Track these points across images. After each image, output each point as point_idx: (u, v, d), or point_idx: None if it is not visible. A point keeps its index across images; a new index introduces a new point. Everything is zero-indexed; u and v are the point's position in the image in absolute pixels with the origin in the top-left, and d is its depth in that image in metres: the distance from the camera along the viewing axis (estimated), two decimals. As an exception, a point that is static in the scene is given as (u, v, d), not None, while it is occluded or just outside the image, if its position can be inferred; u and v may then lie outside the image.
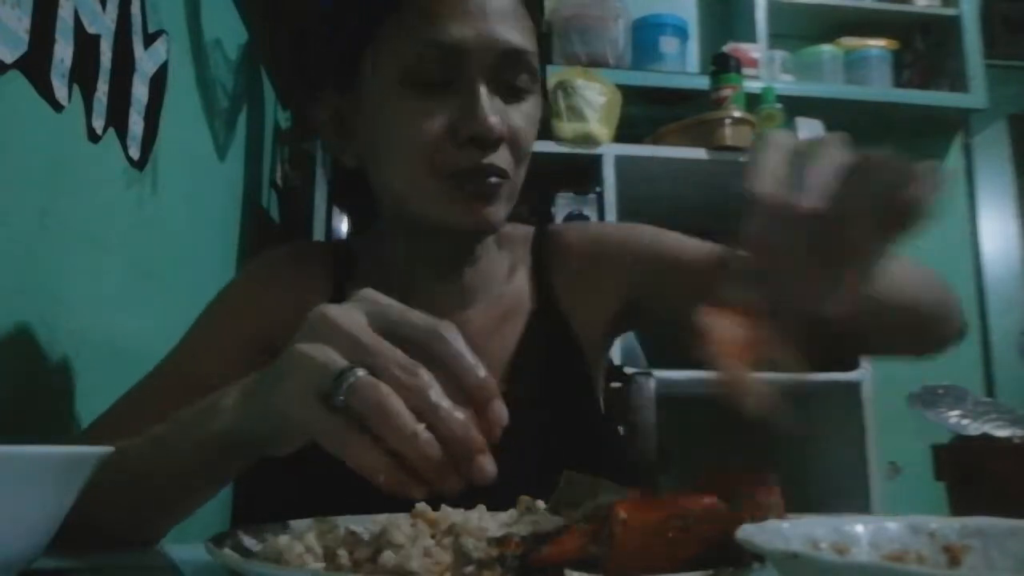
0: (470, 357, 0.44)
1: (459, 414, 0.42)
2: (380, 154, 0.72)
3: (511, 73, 0.69)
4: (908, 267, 0.64)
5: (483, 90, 0.67)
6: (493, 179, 0.68)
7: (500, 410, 0.44)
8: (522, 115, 0.71)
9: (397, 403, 0.41)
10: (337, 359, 0.43)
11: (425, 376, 0.42)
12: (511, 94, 0.70)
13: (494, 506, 0.50)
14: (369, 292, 0.48)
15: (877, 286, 0.50)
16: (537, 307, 0.80)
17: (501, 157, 0.68)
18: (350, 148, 0.76)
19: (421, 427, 0.41)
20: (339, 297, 0.76)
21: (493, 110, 0.67)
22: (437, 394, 0.42)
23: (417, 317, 0.45)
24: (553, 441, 0.75)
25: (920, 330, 0.67)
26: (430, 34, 0.67)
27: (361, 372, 0.42)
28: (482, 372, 0.44)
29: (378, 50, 0.70)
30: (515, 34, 0.69)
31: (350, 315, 0.45)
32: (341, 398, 0.42)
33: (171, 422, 0.55)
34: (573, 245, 0.83)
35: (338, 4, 0.76)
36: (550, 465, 0.52)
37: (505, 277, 0.82)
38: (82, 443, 0.63)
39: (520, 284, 0.82)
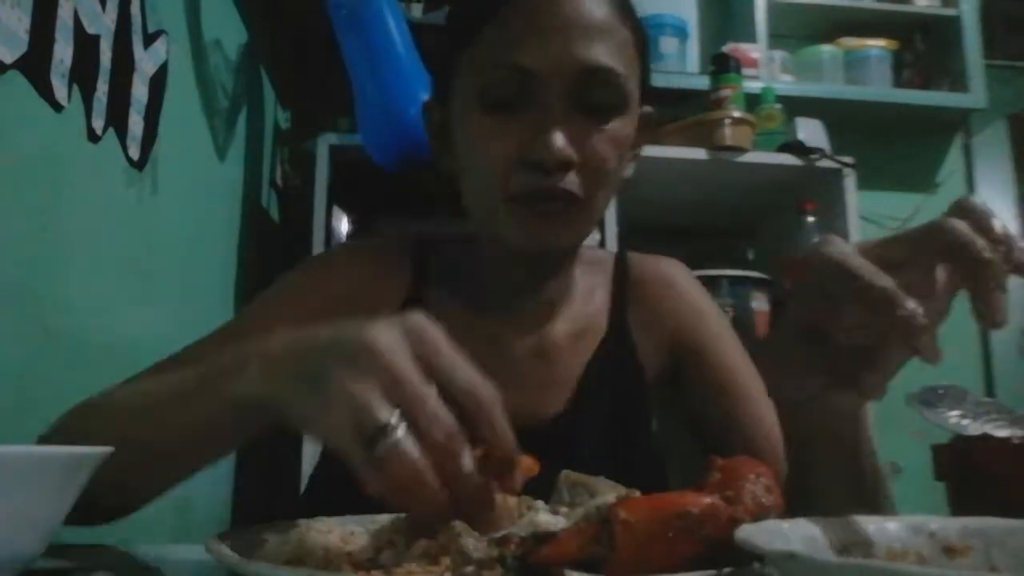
0: (503, 427, 0.44)
1: (479, 480, 0.42)
2: (462, 170, 0.74)
3: (592, 93, 0.68)
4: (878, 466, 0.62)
5: (558, 112, 0.67)
6: (558, 205, 0.68)
7: (518, 481, 0.45)
8: (605, 137, 0.69)
9: (430, 478, 0.41)
10: (380, 408, 0.41)
11: (459, 442, 0.42)
12: (593, 113, 0.69)
13: None
14: (419, 321, 0.45)
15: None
16: (610, 332, 0.81)
17: (571, 181, 0.68)
18: (448, 158, 0.77)
19: (443, 492, 0.41)
20: (417, 291, 0.78)
21: (564, 134, 0.67)
22: (468, 462, 0.42)
23: (463, 369, 0.44)
24: (606, 464, 0.75)
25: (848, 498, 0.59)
26: (504, 57, 0.67)
27: (401, 432, 0.41)
28: (510, 444, 0.44)
29: (463, 69, 0.71)
30: (597, 52, 0.67)
31: (396, 347, 0.43)
32: (378, 454, 0.40)
33: (190, 372, 0.54)
34: (647, 281, 0.84)
35: (445, 25, 0.78)
36: None
37: (585, 297, 0.83)
38: (100, 398, 0.63)
39: (598, 307, 0.83)
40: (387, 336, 0.44)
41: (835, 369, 0.46)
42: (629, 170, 0.78)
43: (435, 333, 0.45)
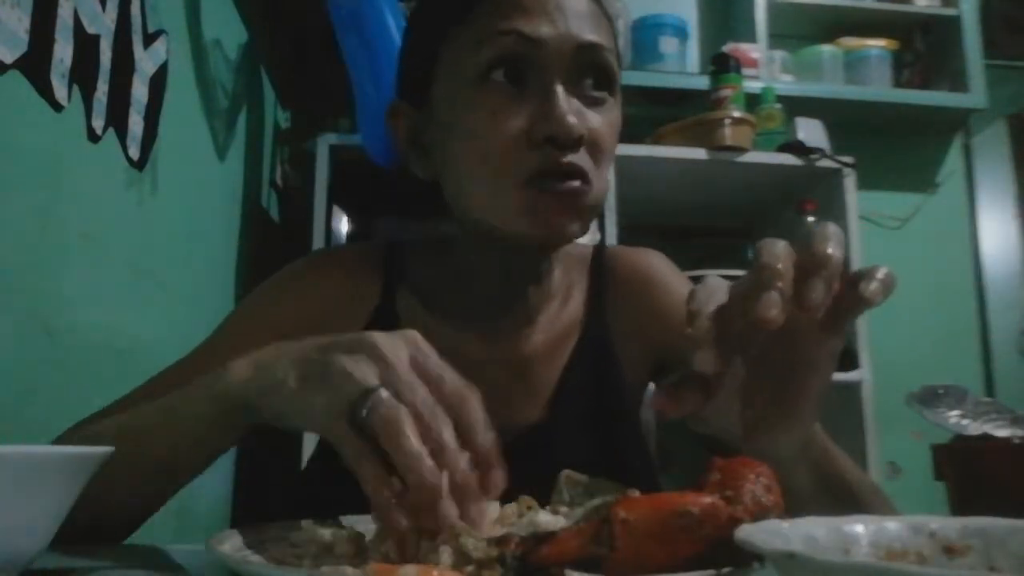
0: (484, 425, 0.47)
1: (464, 459, 0.45)
2: (454, 162, 0.70)
3: (589, 71, 0.67)
4: (862, 477, 0.64)
5: (560, 89, 0.66)
6: (574, 183, 0.65)
7: (498, 479, 0.46)
8: (601, 118, 0.68)
9: (410, 426, 0.44)
10: (371, 378, 0.46)
11: (442, 417, 0.45)
12: (589, 97, 0.68)
13: None
14: (415, 335, 0.50)
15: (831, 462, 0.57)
16: (588, 333, 0.78)
17: (581, 159, 0.66)
18: (424, 162, 0.74)
19: (427, 456, 0.43)
20: (388, 302, 0.76)
21: (571, 109, 0.65)
22: (449, 436, 0.45)
23: (451, 374, 0.48)
24: (591, 467, 0.74)
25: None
26: (506, 25, 0.66)
27: (386, 394, 0.45)
28: (491, 441, 0.47)
29: (450, 57, 0.69)
30: (593, 31, 0.67)
31: (394, 346, 0.48)
32: (364, 413, 0.45)
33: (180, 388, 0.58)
34: (627, 278, 0.82)
35: (411, 20, 0.76)
36: None
37: (563, 299, 0.80)
38: (91, 424, 0.64)
39: (576, 307, 0.80)
40: (386, 338, 0.48)
41: (752, 400, 0.49)
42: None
43: (428, 345, 0.49)
